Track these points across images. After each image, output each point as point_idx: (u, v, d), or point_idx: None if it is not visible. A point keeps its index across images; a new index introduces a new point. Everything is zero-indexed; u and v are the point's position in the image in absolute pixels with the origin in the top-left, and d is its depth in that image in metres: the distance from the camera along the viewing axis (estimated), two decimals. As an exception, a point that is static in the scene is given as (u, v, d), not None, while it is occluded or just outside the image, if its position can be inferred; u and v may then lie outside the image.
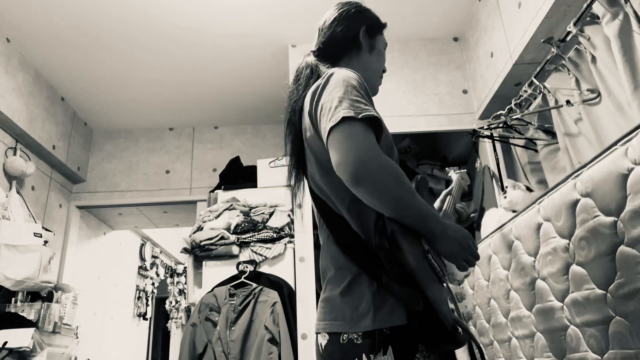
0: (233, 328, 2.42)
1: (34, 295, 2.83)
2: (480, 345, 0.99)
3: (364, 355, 0.87)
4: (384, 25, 1.24)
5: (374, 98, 1.21)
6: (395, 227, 0.88)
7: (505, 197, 1.77)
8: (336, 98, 0.93)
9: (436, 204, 1.31)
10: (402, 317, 0.87)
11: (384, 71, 1.24)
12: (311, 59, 1.17)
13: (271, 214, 2.78)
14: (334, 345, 0.93)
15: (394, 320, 0.87)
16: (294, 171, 1.13)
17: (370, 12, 1.23)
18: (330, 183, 1.00)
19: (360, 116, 0.89)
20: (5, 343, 2.29)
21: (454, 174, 1.47)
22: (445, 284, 0.93)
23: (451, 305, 0.90)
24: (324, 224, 1.05)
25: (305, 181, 1.13)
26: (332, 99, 0.94)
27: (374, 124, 0.92)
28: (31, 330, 2.42)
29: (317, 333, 0.99)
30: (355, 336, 0.89)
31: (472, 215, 1.35)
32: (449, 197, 1.31)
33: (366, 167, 0.86)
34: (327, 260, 1.02)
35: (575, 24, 1.81)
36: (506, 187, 1.92)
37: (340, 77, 0.98)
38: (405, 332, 0.87)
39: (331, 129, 0.91)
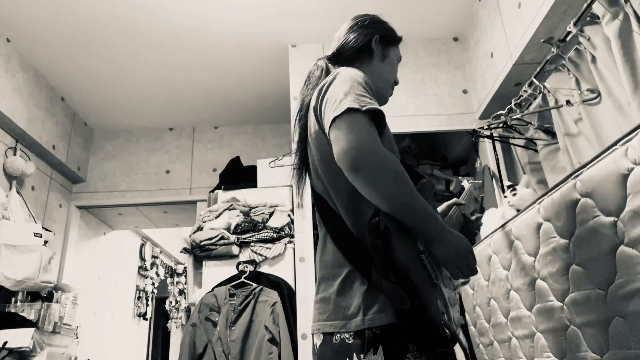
0: (233, 328, 2.42)
1: (34, 295, 2.83)
2: (466, 348, 0.99)
3: (354, 355, 0.88)
4: (399, 39, 1.29)
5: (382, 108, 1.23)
6: (390, 224, 0.89)
7: (514, 195, 1.76)
8: (341, 92, 0.96)
9: (440, 208, 1.30)
10: (391, 316, 0.88)
11: (396, 83, 1.28)
12: (323, 62, 1.21)
13: (271, 214, 2.78)
14: (327, 345, 0.93)
15: (384, 319, 0.88)
16: (298, 169, 1.15)
17: (386, 24, 1.27)
18: (330, 179, 1.01)
19: (364, 108, 0.91)
20: (5, 343, 2.29)
21: (466, 183, 1.46)
22: (437, 286, 0.93)
23: (441, 308, 0.90)
24: (322, 222, 1.06)
25: (308, 180, 1.14)
26: (337, 92, 0.97)
27: (377, 117, 0.93)
28: (31, 330, 2.42)
29: (312, 334, 1.00)
30: (347, 336, 0.90)
31: (479, 223, 1.33)
32: (454, 207, 1.30)
33: (366, 157, 0.87)
34: (323, 258, 1.03)
35: (575, 24, 1.81)
36: (508, 186, 1.91)
37: (347, 74, 1.01)
38: (395, 332, 0.87)
39: (334, 119, 0.93)
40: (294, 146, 1.16)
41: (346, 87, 0.96)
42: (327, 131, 0.95)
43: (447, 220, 1.24)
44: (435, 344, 0.87)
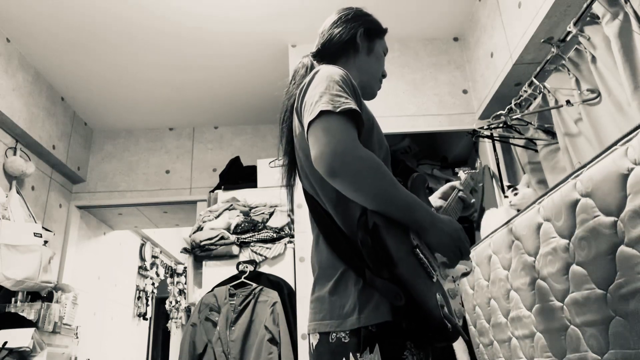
0: (233, 328, 2.42)
1: (34, 295, 2.83)
2: (469, 340, 0.99)
3: (351, 354, 0.87)
4: (384, 30, 1.25)
5: (372, 101, 1.22)
6: (379, 221, 0.88)
7: (515, 194, 1.76)
8: (317, 93, 0.95)
9: (438, 192, 1.30)
10: (386, 314, 0.87)
11: (384, 76, 1.25)
12: (307, 59, 1.19)
13: (271, 214, 2.78)
14: (324, 345, 0.93)
15: (379, 317, 0.87)
16: (288, 171, 1.14)
17: (371, 17, 1.24)
18: (318, 180, 1.01)
19: (338, 110, 0.90)
20: (5, 343, 2.29)
21: (462, 174, 1.46)
22: (434, 279, 0.92)
23: (441, 301, 0.89)
24: (314, 223, 1.05)
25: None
26: (314, 94, 0.96)
27: (354, 116, 0.92)
28: (31, 330, 2.42)
29: (308, 334, 1.00)
30: (343, 335, 0.89)
31: (474, 213, 1.35)
32: (454, 191, 1.30)
33: (341, 160, 0.86)
34: (317, 258, 1.03)
35: (575, 24, 1.81)
36: (508, 186, 1.91)
37: (325, 73, 1.00)
38: (392, 330, 0.87)
39: (310, 123, 0.92)
40: (281, 148, 1.14)
41: (322, 87, 0.95)
42: (306, 136, 0.95)
43: (446, 206, 1.24)
44: (435, 339, 0.86)
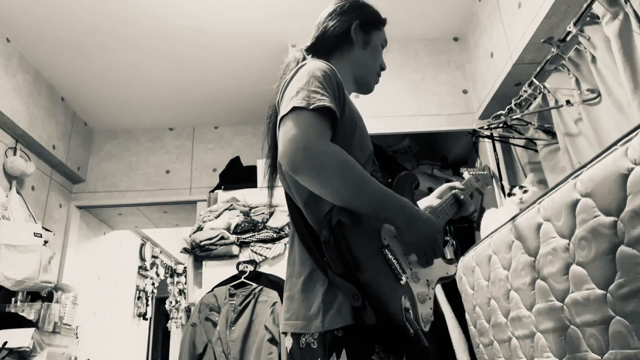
0: (233, 328, 2.42)
1: (34, 295, 2.83)
2: (428, 348, 0.95)
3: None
4: (382, 21, 1.20)
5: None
6: (345, 218, 0.84)
7: (525, 192, 1.76)
8: (295, 89, 0.92)
9: (435, 198, 1.25)
10: (348, 316, 0.84)
11: (382, 68, 1.20)
12: (299, 53, 1.16)
13: (271, 214, 2.78)
14: (295, 350, 0.91)
15: (341, 320, 0.84)
16: (270, 169, 1.10)
17: (368, 8, 1.19)
18: (290, 175, 0.97)
19: (311, 107, 0.87)
20: (5, 343, 2.29)
21: (467, 174, 1.43)
22: (402, 282, 0.88)
23: (406, 304, 0.85)
24: (291, 220, 1.03)
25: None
26: (292, 89, 0.93)
27: (327, 113, 0.89)
28: (31, 330, 2.42)
29: (282, 333, 0.98)
30: (312, 340, 0.87)
31: (474, 213, 1.31)
32: (450, 192, 1.27)
33: (305, 155, 0.82)
34: (291, 256, 1.01)
35: (575, 24, 1.81)
36: (513, 186, 1.91)
37: (307, 69, 0.97)
38: (359, 333, 0.84)
39: (281, 118, 0.89)
40: (266, 145, 1.10)
41: (301, 83, 0.92)
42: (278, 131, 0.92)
43: (436, 206, 1.21)
44: (400, 343, 0.82)
